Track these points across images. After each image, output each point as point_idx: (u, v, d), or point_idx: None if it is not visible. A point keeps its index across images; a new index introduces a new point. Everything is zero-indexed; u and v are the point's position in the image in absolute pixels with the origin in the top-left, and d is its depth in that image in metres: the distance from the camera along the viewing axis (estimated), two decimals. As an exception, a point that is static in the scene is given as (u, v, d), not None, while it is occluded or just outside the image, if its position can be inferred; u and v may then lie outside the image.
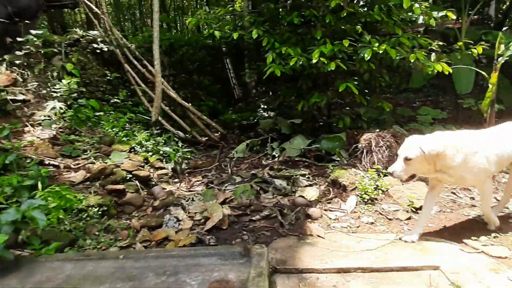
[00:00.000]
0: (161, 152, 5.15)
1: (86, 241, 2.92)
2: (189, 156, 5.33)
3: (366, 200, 3.60)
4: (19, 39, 5.12)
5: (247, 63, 11.71)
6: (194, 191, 4.18)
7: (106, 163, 4.18)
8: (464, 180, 2.75)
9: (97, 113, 5.41)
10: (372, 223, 3.22)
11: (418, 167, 2.55)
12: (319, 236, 2.88)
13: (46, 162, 3.86)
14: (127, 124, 5.64)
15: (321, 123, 6.07)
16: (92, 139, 4.70)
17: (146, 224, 3.23)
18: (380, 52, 4.48)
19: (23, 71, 5.07)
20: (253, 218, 3.33)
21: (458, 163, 2.56)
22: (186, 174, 4.73)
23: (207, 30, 11.09)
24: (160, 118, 6.06)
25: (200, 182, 4.48)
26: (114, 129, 5.25)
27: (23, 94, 4.80)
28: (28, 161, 3.77)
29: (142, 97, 6.68)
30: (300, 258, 2.49)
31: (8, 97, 4.61)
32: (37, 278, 2.10)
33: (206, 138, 6.87)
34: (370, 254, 2.55)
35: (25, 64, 5.12)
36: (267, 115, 9.99)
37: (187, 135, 6.47)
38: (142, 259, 2.24)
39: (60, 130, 4.69)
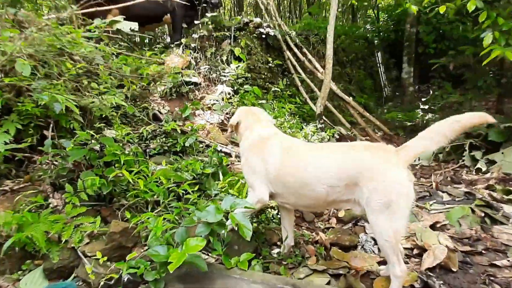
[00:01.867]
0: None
1: (269, 252, 2.36)
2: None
3: None
4: (196, 22, 5.11)
5: (406, 56, 10.17)
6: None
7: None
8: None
9: (259, 101, 5.05)
10: None
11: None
12: None
13: (218, 149, 3.54)
14: (286, 115, 5.14)
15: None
16: (258, 128, 4.28)
17: (336, 242, 2.51)
18: None
19: (196, 54, 5.03)
20: (496, 262, 2.24)
21: (242, 147, 2.22)
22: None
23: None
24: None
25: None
26: (277, 119, 4.79)
27: (195, 76, 4.72)
28: (201, 145, 3.52)
29: (301, 87, 6.13)
30: None
31: (183, 80, 4.58)
32: (238, 307, 1.55)
33: (367, 137, 5.91)
34: None
35: (199, 47, 5.08)
36: (427, 117, 8.43)
37: (348, 133, 5.62)
38: (378, 311, 1.47)
39: (227, 115, 4.43)
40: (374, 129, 6.27)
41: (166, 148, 3.14)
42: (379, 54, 11.77)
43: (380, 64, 11.67)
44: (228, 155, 3.48)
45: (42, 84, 2.33)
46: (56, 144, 2.46)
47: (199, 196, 2.54)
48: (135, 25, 4.59)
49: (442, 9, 3.96)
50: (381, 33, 12.78)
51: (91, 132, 2.61)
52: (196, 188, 2.56)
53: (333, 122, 5.80)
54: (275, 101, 5.27)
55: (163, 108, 3.97)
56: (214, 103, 4.40)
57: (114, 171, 2.25)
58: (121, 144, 2.81)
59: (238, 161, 3.48)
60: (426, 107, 9.23)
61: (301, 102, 6.11)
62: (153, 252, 1.67)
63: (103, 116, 3.08)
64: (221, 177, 2.67)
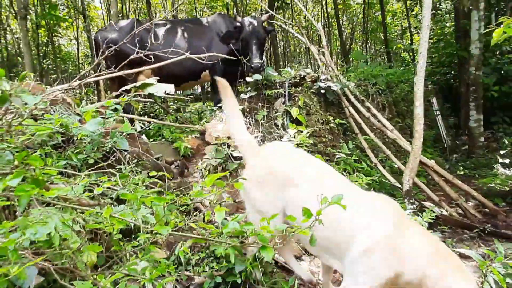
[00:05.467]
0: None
1: None
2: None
3: None
4: (248, 79, 4.21)
5: (473, 102, 8.86)
6: None
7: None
8: None
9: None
10: None
11: None
12: None
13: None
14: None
15: None
16: (335, 219, 3.10)
17: None
18: None
19: (245, 119, 4.06)
20: None
21: None
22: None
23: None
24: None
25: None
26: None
27: (245, 148, 3.69)
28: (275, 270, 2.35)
29: (368, 150, 4.97)
30: None
31: (230, 153, 3.57)
32: None
33: (462, 215, 4.56)
34: None
35: (247, 110, 4.12)
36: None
37: (442, 211, 4.30)
38: None
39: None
40: (466, 199, 4.90)
41: (219, 279, 2.00)
42: (434, 100, 10.57)
43: (437, 111, 10.43)
44: None
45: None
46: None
47: None
48: (170, 88, 3.73)
49: None
50: (432, 77, 11.73)
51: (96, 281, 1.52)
52: None
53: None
54: (345, 174, 4.11)
55: (207, 199, 2.90)
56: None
57: None
58: None
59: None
60: (507, 161, 7.74)
61: (369, 168, 4.92)
62: None
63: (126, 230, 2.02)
64: None
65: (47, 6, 13.97)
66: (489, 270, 2.51)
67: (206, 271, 2.01)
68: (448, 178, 4.77)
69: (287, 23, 6.78)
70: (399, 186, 4.43)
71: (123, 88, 3.62)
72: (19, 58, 15.08)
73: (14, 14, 13.41)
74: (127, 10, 17.13)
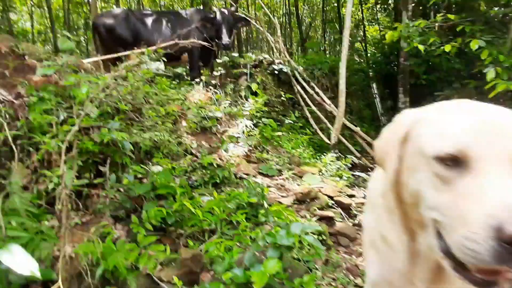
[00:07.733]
0: (344, 177, 4.71)
1: (318, 273, 2.53)
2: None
3: None
4: (218, 60, 5.47)
5: (401, 87, 10.73)
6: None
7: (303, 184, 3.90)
8: None
9: (276, 133, 5.34)
10: None
11: None
12: None
13: (251, 180, 3.76)
14: (301, 146, 5.42)
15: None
16: (280, 159, 4.54)
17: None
18: None
19: (217, 90, 5.35)
20: None
21: None
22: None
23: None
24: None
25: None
26: (293, 150, 5.06)
27: (218, 111, 5.00)
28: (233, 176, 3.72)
29: (311, 118, 6.47)
30: None
31: (206, 115, 4.86)
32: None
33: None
34: None
35: (219, 84, 5.40)
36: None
37: (360, 161, 5.90)
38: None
39: (249, 148, 4.68)
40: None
41: (205, 180, 3.34)
42: (374, 85, 12.40)
43: (376, 95, 12.27)
44: (260, 185, 3.69)
45: (115, 125, 2.57)
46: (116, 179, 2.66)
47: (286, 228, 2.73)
48: (161, 66, 4.92)
49: (448, 48, 4.38)
50: (374, 66, 13.53)
51: (143, 166, 2.82)
52: (244, 217, 2.76)
53: (343, 151, 6.09)
54: (290, 133, 5.56)
55: (191, 142, 4.20)
56: (238, 136, 4.66)
57: (175, 202, 2.44)
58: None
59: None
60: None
61: (311, 133, 6.42)
62: (232, 274, 1.85)
63: (147, 151, 3.30)
64: (265, 205, 2.87)
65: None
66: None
67: (199, 175, 3.35)
68: (369, 141, 6.40)
69: (250, 17, 8.02)
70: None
71: (123, 64, 4.76)
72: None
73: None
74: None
